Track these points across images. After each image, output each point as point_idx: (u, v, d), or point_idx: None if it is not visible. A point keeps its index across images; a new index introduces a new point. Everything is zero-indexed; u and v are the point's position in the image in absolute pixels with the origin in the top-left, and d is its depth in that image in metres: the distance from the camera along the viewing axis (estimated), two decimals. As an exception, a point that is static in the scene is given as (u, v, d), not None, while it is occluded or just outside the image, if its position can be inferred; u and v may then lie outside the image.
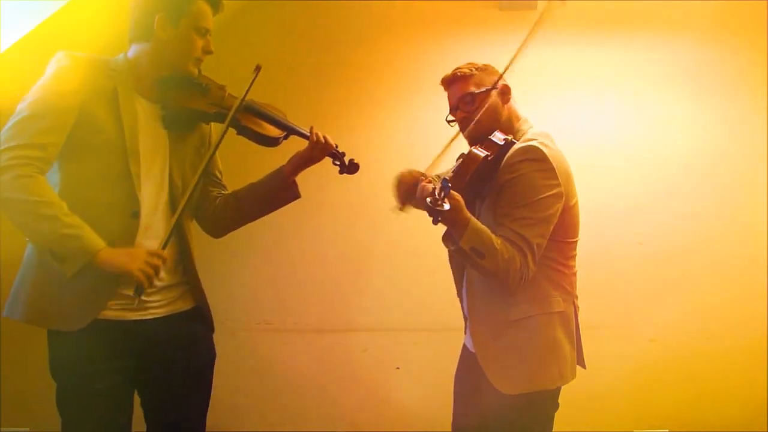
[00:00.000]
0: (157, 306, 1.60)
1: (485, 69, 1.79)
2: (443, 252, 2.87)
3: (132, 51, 1.61)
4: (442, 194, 1.40)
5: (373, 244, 2.81)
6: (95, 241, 1.42)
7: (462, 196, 1.56)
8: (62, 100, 1.46)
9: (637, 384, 2.75)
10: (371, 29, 2.86)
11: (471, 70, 1.77)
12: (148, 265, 1.46)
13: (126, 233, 1.52)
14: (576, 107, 2.79)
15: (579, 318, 1.75)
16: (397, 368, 2.80)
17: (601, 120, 2.80)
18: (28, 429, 2.65)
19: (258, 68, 1.64)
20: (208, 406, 1.75)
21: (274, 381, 2.78)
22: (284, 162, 1.78)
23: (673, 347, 2.77)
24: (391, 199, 2.78)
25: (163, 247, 1.51)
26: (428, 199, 1.40)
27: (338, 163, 1.80)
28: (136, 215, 1.53)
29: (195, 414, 1.71)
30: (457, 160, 1.79)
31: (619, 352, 2.71)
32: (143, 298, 1.54)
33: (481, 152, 1.62)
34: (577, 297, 1.76)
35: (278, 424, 2.75)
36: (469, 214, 1.56)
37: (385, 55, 2.86)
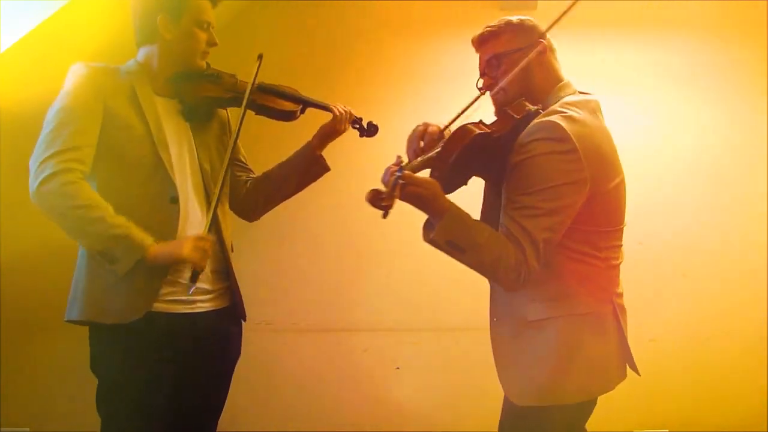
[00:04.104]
0: (203, 300, 1.63)
1: (520, 25, 1.52)
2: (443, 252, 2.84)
3: (140, 55, 1.66)
4: (393, 187, 1.24)
5: (374, 243, 2.81)
6: (144, 238, 1.46)
7: (449, 179, 1.39)
8: (87, 104, 1.51)
9: (637, 384, 2.74)
10: (372, 29, 2.86)
11: (500, 26, 1.52)
12: (198, 248, 1.51)
13: (168, 220, 1.56)
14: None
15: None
16: (397, 368, 2.80)
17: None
18: (28, 429, 2.65)
19: (260, 56, 1.70)
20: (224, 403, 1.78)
21: (274, 381, 2.78)
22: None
23: (673, 347, 2.77)
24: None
25: (208, 232, 1.57)
26: (371, 193, 1.25)
27: (357, 126, 1.88)
28: (174, 200, 1.57)
29: (216, 410, 1.74)
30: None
31: (619, 352, 2.71)
32: (193, 292, 1.58)
33: (477, 128, 1.38)
34: (620, 294, 1.58)
35: (278, 424, 2.75)
36: (447, 203, 1.36)
37: (385, 55, 2.86)
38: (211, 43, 1.65)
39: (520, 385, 1.47)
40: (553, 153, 1.36)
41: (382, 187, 1.32)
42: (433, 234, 1.36)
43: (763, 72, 2.82)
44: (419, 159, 1.44)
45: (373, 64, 2.86)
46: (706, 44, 2.84)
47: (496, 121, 1.45)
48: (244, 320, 1.78)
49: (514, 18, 1.54)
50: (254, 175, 1.86)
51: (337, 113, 1.80)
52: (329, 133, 1.81)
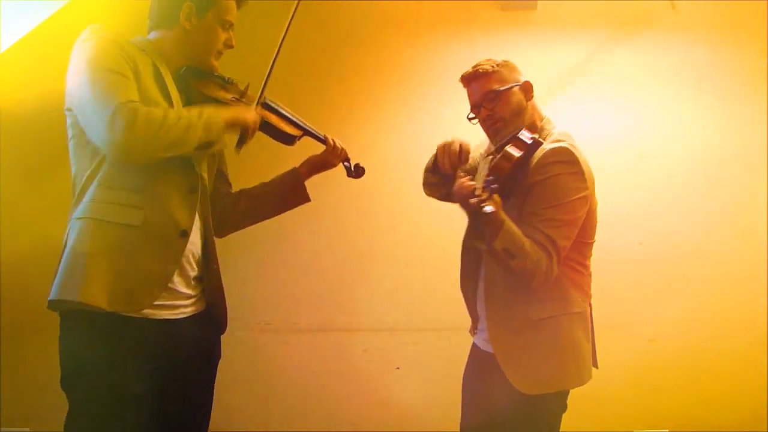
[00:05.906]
0: (186, 305, 1.56)
1: (506, 65, 1.77)
2: (443, 252, 2.85)
3: (153, 35, 1.59)
4: (486, 195, 1.39)
5: (373, 244, 2.81)
6: (213, 113, 1.49)
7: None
8: (121, 67, 1.41)
9: (637, 384, 2.75)
10: (372, 29, 2.86)
11: (492, 67, 1.75)
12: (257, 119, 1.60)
13: (186, 209, 1.51)
14: (575, 108, 2.78)
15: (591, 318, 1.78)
16: (397, 368, 2.80)
17: (601, 121, 2.80)
18: (28, 429, 2.65)
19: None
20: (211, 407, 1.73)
21: (273, 381, 2.78)
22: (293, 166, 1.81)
23: (673, 347, 2.77)
24: (390, 200, 2.80)
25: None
26: (472, 200, 1.39)
27: (347, 165, 1.87)
28: (193, 190, 1.53)
29: (208, 412, 1.69)
30: (484, 156, 1.82)
31: (619, 352, 2.71)
32: (176, 297, 1.52)
33: (516, 152, 1.59)
34: (591, 297, 1.79)
35: (278, 425, 2.75)
36: (504, 215, 1.55)
37: (385, 56, 2.86)
38: (228, 45, 1.62)
39: (530, 376, 1.65)
40: (567, 173, 1.63)
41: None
42: (494, 242, 1.54)
43: (764, 72, 2.82)
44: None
45: (373, 64, 2.86)
46: (707, 44, 2.84)
47: (515, 146, 1.61)
48: (223, 332, 1.70)
49: (499, 59, 1.78)
50: (231, 191, 1.81)
51: (330, 145, 1.79)
52: (319, 165, 1.81)
